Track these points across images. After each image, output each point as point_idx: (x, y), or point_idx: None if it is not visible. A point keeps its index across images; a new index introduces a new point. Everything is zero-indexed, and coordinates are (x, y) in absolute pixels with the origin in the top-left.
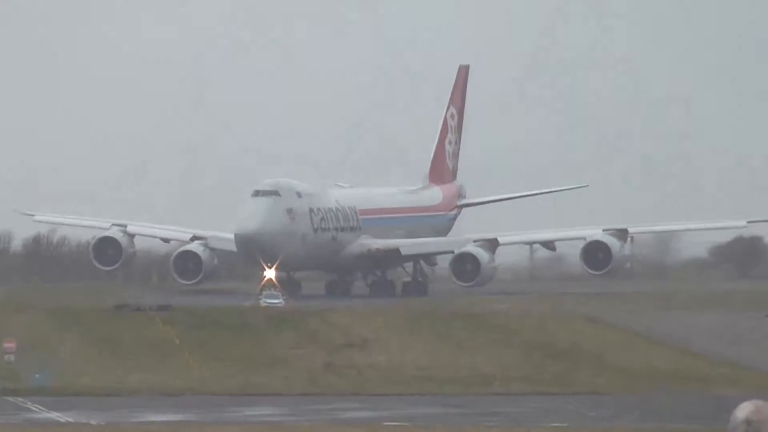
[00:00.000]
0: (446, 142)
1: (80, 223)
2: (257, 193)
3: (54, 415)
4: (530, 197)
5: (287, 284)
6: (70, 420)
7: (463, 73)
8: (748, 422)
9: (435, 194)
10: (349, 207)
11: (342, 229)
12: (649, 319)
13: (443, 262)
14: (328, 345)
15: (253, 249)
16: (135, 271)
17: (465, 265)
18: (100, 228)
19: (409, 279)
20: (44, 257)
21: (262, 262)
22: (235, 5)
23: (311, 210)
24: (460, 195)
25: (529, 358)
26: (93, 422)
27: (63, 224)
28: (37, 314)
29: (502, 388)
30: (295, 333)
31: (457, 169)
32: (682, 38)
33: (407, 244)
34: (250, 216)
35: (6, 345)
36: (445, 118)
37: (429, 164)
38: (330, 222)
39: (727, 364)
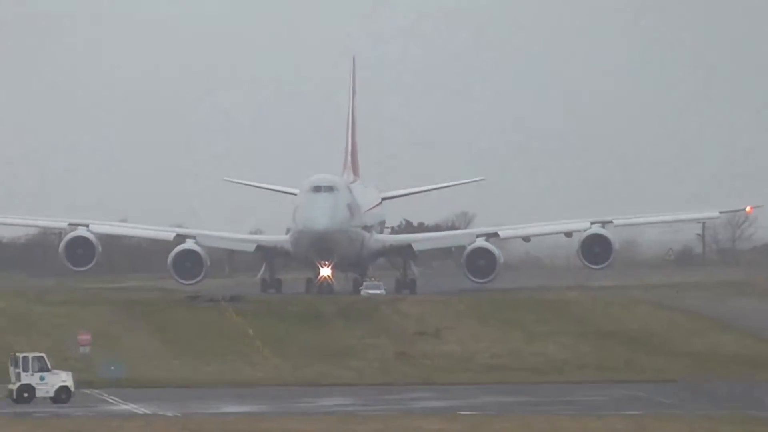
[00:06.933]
0: (356, 136)
1: (35, 223)
2: (318, 189)
3: (131, 407)
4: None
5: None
6: (147, 411)
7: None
8: None
9: (372, 189)
10: (362, 204)
11: (367, 227)
12: (719, 305)
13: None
14: (400, 335)
15: (320, 245)
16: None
17: (478, 260)
18: (57, 228)
19: (398, 276)
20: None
21: (318, 259)
22: None
23: (359, 206)
24: None
25: (600, 345)
26: (169, 413)
27: (17, 225)
28: (110, 306)
29: (573, 375)
30: (367, 323)
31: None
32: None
33: (418, 239)
34: (318, 212)
35: (81, 337)
36: (351, 110)
37: (343, 158)
38: (364, 218)
39: None
